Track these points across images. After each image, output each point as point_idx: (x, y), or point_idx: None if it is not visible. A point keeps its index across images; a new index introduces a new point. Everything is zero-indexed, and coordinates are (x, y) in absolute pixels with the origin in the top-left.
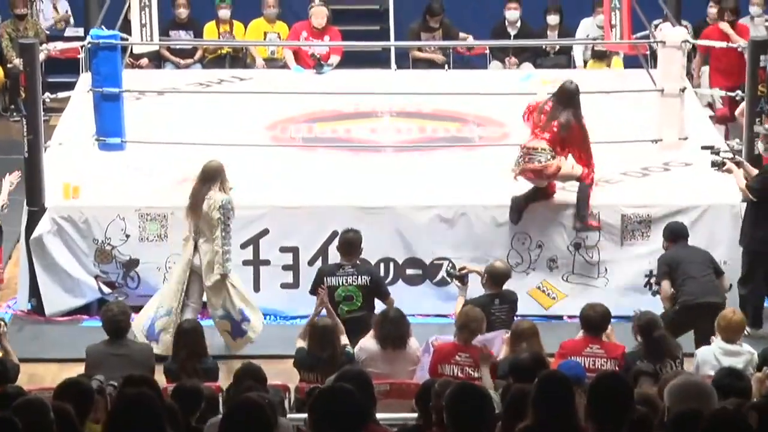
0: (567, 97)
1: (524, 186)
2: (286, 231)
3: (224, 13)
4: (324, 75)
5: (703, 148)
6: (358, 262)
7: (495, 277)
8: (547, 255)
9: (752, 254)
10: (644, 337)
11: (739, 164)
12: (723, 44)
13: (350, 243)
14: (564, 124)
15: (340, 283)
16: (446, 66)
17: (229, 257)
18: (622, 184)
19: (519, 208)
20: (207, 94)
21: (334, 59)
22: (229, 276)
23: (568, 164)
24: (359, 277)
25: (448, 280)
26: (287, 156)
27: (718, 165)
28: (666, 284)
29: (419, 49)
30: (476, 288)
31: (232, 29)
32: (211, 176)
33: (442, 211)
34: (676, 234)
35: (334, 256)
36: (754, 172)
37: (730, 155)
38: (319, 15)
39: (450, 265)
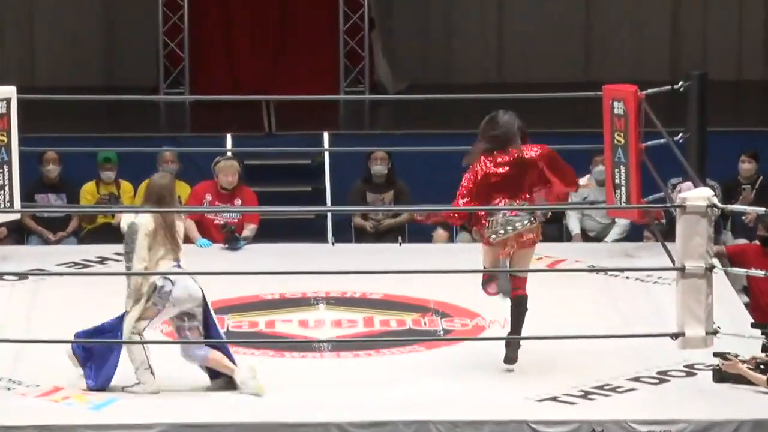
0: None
1: None
2: None
3: (108, 175)
4: (239, 251)
5: (716, 355)
6: None
7: None
8: None
9: None
10: None
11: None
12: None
13: None
14: None
15: None
16: (399, 239)
17: None
18: (632, 394)
19: None
20: (84, 277)
21: (250, 230)
22: None
23: None
24: None
25: None
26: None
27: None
28: None
29: (363, 216)
30: None
31: (118, 191)
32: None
33: (397, 430)
34: None
35: None
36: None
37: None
38: (228, 171)
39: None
